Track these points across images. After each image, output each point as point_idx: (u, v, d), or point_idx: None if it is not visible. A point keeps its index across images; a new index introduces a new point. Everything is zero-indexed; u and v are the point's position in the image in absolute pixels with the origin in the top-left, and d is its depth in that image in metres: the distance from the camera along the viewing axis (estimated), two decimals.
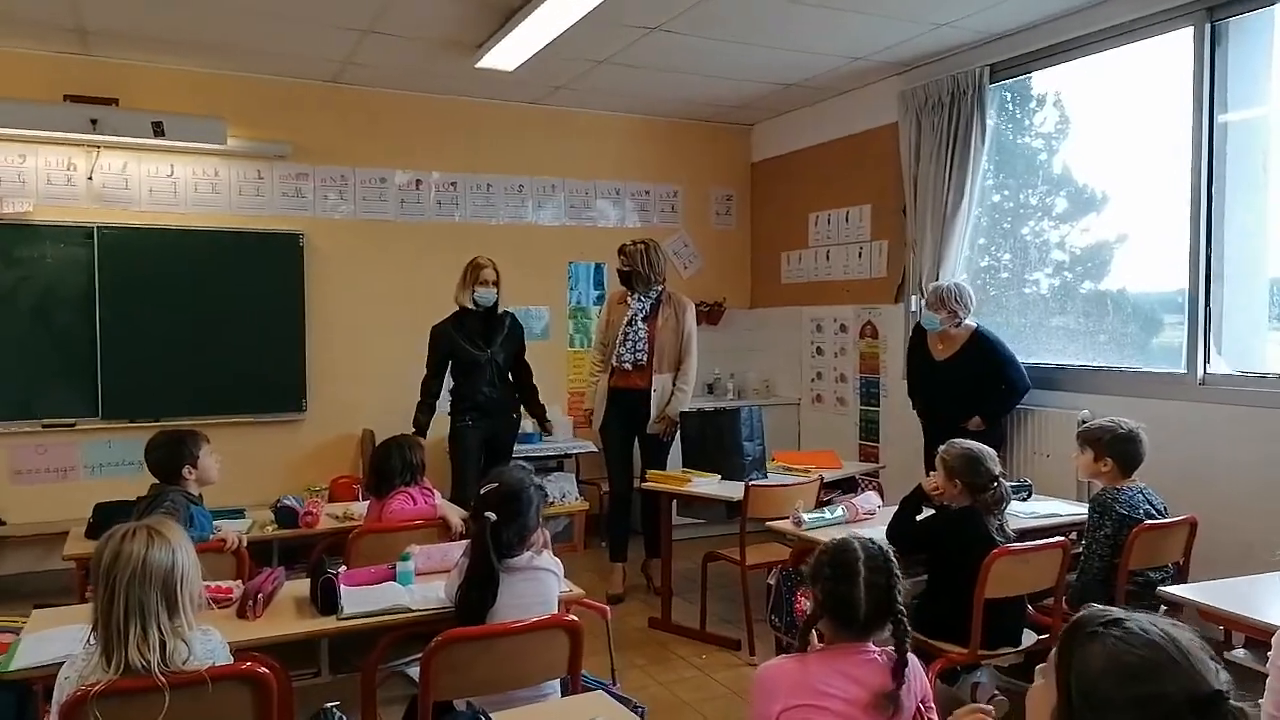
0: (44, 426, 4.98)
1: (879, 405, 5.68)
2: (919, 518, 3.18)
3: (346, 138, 5.66)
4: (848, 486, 4.75)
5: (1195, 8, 3.86)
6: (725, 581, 4.52)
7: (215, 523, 3.32)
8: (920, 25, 4.57)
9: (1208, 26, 3.86)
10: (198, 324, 5.25)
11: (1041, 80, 4.84)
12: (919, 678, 1.87)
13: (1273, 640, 1.80)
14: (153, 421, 4.99)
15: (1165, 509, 3.25)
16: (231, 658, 1.99)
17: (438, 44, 4.83)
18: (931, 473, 3.19)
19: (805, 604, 3.21)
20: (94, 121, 4.81)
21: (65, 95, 4.89)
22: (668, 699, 3.55)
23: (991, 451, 3.01)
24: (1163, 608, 3.11)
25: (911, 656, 1.86)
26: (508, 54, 4.85)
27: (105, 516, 3.44)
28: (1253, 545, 3.50)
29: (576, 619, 2.29)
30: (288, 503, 3.65)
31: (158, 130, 4.93)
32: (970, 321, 4.46)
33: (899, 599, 1.89)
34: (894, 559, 1.93)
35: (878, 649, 1.87)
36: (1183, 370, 3.97)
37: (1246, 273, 3.91)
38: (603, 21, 4.41)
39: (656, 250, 4.80)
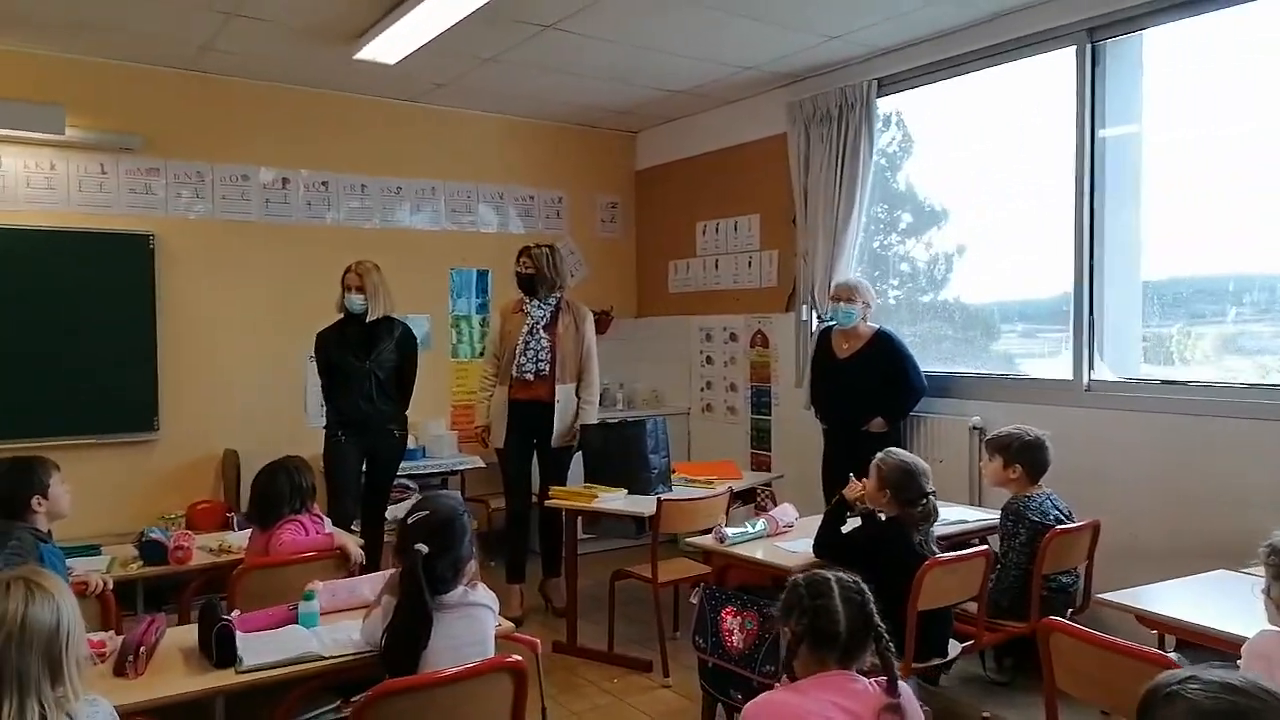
0: None
1: (770, 414, 5.69)
2: (844, 529, 3.15)
3: (204, 131, 5.16)
4: (746, 497, 4.72)
5: (1077, 29, 4.04)
6: (629, 599, 4.37)
7: (69, 562, 2.89)
8: (813, 36, 4.60)
9: (1089, 47, 4.05)
10: (31, 334, 4.64)
11: (886, 103, 4.99)
12: (913, 702, 1.79)
13: (1243, 650, 1.83)
14: None
15: (1071, 513, 3.35)
16: None
17: (313, 31, 4.47)
18: (859, 479, 3.15)
19: (729, 621, 3.14)
20: None
21: None
22: None
23: (927, 468, 3.00)
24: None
25: (904, 684, 1.78)
26: (391, 45, 4.54)
27: None
28: (1148, 546, 3.66)
29: (521, 659, 2.09)
30: (155, 536, 3.24)
31: None
32: (871, 323, 4.51)
33: (876, 616, 1.81)
34: (864, 586, 1.86)
35: (864, 679, 1.78)
36: (1069, 377, 4.13)
37: (1123, 280, 4.11)
38: (496, 16, 4.19)
39: (560, 254, 4.62)
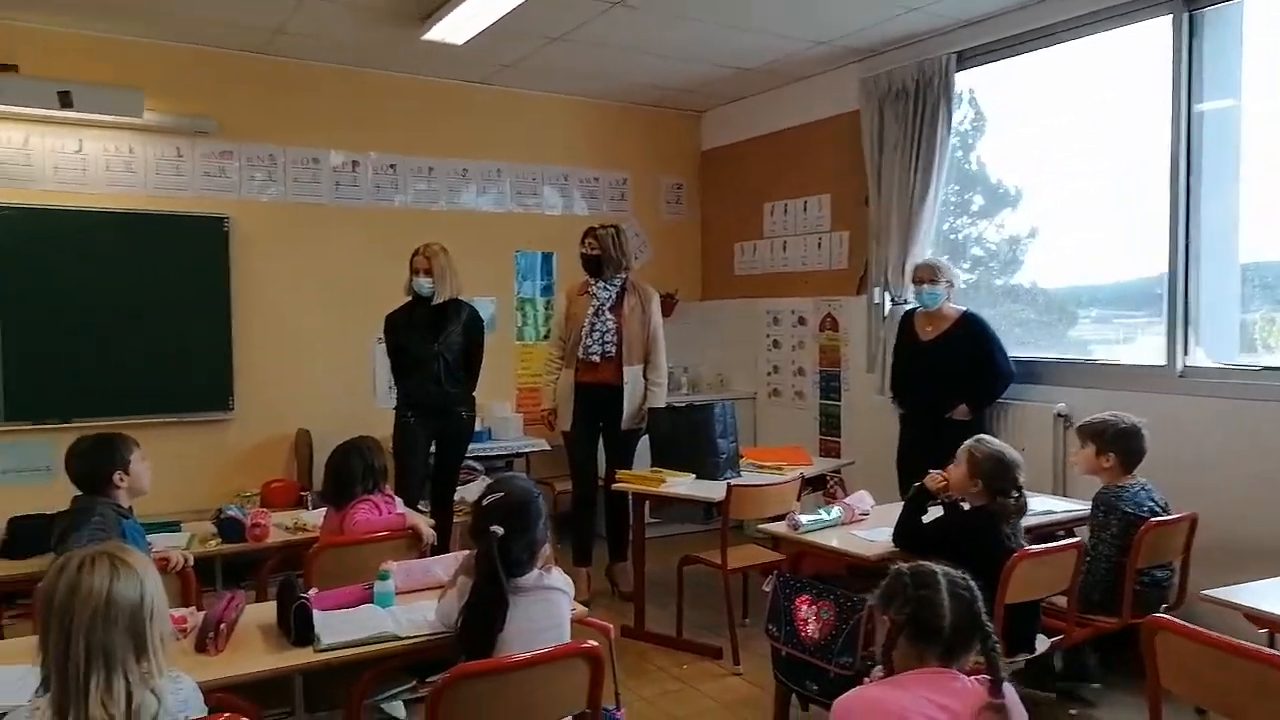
0: None
1: (840, 399, 5.56)
2: (925, 518, 3.04)
3: (276, 114, 5.21)
4: (815, 484, 4.61)
5: None
6: (696, 585, 4.31)
7: (149, 538, 2.93)
8: (891, 8, 4.44)
9: (1186, 16, 3.83)
10: (112, 315, 4.74)
11: (962, 78, 4.79)
12: (1018, 705, 1.69)
13: None
14: (62, 423, 4.49)
15: (1167, 505, 3.19)
16: (205, 709, 1.68)
17: (382, 13, 4.46)
18: (937, 470, 3.04)
19: (804, 610, 3.06)
20: None
21: None
22: (653, 715, 3.33)
23: (1021, 460, 2.87)
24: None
25: (1008, 686, 1.68)
26: (459, 26, 4.51)
27: (23, 533, 3.04)
28: (1247, 541, 3.47)
29: (597, 645, 2.04)
30: (232, 513, 3.28)
31: (65, 100, 4.41)
32: (956, 305, 4.35)
33: (984, 615, 1.71)
34: (973, 583, 1.76)
35: (965, 677, 1.68)
36: (1163, 362, 3.93)
37: (1220, 262, 3.90)
38: None
39: (625, 235, 4.56)
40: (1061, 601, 3.01)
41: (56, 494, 2.86)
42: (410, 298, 4.36)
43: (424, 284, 4.29)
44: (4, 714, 1.54)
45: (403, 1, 4.31)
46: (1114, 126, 4.32)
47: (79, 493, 2.79)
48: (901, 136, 4.89)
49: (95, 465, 2.76)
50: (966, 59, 4.69)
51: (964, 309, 4.35)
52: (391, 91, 5.51)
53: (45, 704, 1.49)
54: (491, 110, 5.85)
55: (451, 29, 4.56)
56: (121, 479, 2.79)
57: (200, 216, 5.00)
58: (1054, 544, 2.88)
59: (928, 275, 4.29)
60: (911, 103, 4.83)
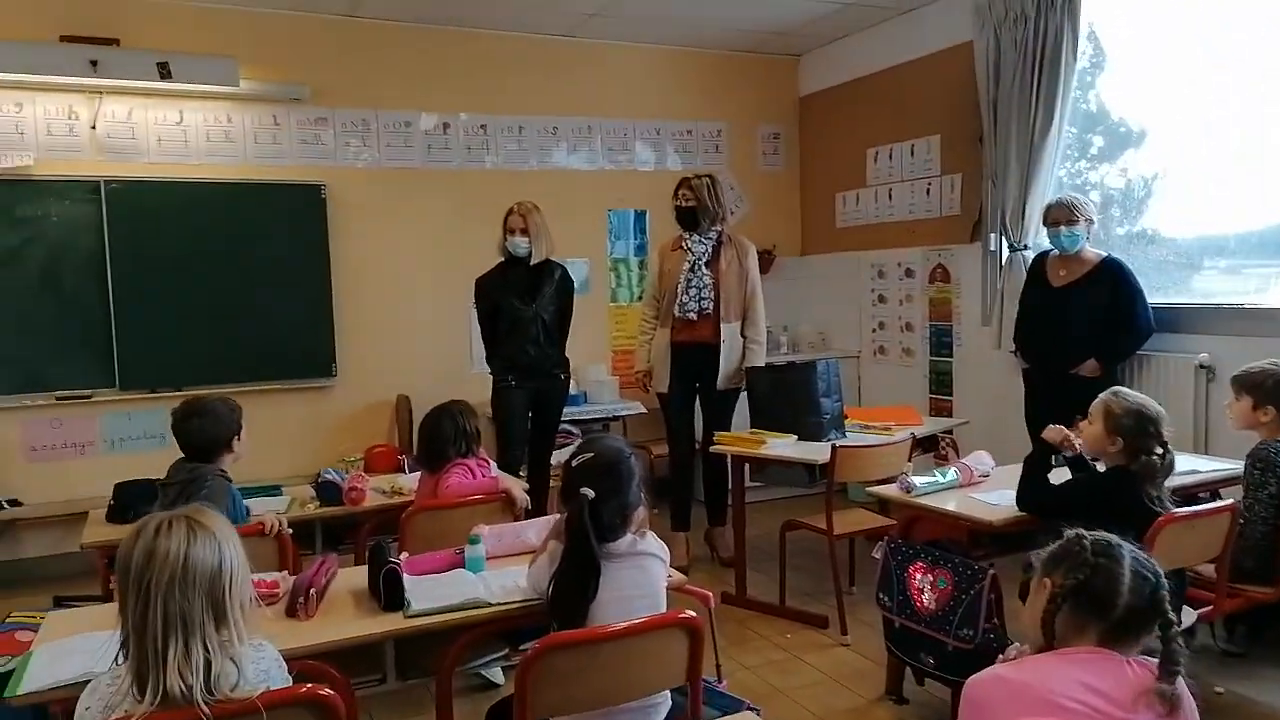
0: (58, 399, 4.61)
1: (952, 355, 5.24)
2: (1053, 479, 2.78)
3: (367, 77, 5.19)
4: (925, 445, 4.35)
5: None
6: (801, 551, 4.15)
7: (246, 502, 2.95)
8: None
9: None
10: (218, 285, 4.84)
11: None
12: (1189, 697, 1.46)
13: None
14: (174, 391, 4.62)
15: None
16: (289, 678, 1.62)
17: None
18: (1069, 425, 2.77)
19: (919, 579, 2.86)
20: (94, 63, 4.38)
21: (61, 35, 4.45)
22: (757, 686, 3.18)
23: (1164, 412, 2.58)
24: None
25: (1185, 691, 1.44)
26: None
27: (127, 498, 3.11)
28: None
29: (696, 616, 1.91)
30: (329, 477, 3.28)
31: (164, 71, 4.48)
32: (1096, 249, 3.99)
33: (1168, 603, 1.48)
34: (1160, 569, 1.54)
35: (1132, 659, 1.47)
36: None
37: None
38: None
39: (719, 183, 4.36)
40: (1207, 570, 2.72)
41: (169, 460, 2.88)
42: (503, 258, 4.27)
43: (520, 243, 4.19)
44: (88, 680, 1.52)
45: None
46: (1247, 60, 3.85)
47: (182, 457, 2.82)
48: (1020, 67, 4.50)
49: (211, 431, 2.76)
50: None
51: (1105, 254, 3.97)
52: (480, 50, 5.42)
53: (125, 671, 1.45)
54: (580, 64, 5.69)
55: None
56: (236, 443, 2.80)
57: (298, 185, 5.04)
58: (1204, 507, 2.59)
59: (1065, 215, 3.88)
60: (1031, 28, 4.43)
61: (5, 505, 4.42)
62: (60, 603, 3.68)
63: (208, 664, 1.44)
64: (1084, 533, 1.55)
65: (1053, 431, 2.80)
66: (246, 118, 4.95)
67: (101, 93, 4.60)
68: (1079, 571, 1.49)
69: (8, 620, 2.93)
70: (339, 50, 5.10)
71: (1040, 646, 1.54)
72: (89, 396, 4.67)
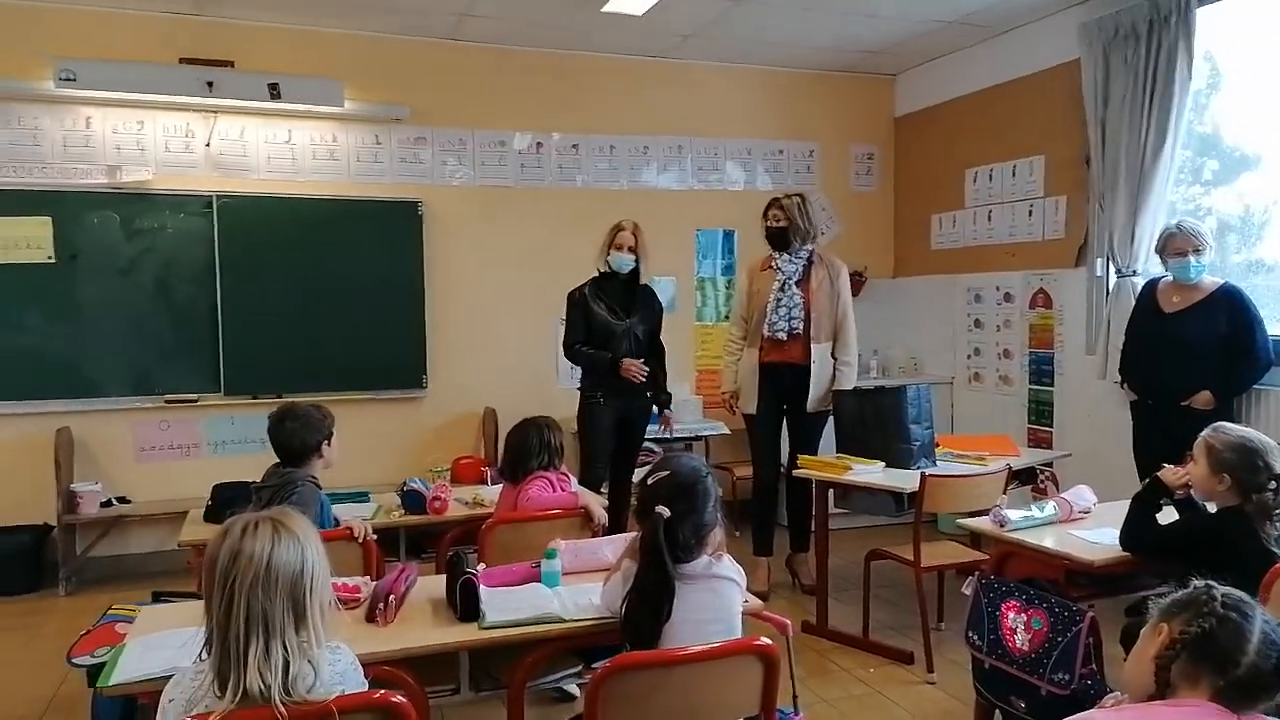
0: (166, 402, 4.84)
1: (1053, 384, 5.02)
2: (1161, 520, 2.62)
3: (464, 98, 5.33)
4: (1024, 478, 4.16)
5: None
6: (886, 582, 4.02)
7: (336, 507, 3.02)
8: None
9: None
10: (317, 297, 5.02)
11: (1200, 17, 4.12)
12: None
13: None
14: (275, 398, 4.79)
15: None
16: (364, 682, 1.63)
17: None
18: (1177, 465, 2.61)
19: (1011, 618, 2.72)
20: (210, 84, 4.62)
21: (180, 58, 4.71)
22: None
23: (1274, 444, 2.41)
24: None
25: None
26: None
27: (223, 499, 3.22)
28: None
29: (772, 644, 1.85)
30: (415, 486, 3.34)
31: (274, 92, 4.70)
32: (1214, 276, 3.79)
33: None
34: None
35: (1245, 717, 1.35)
36: None
37: None
38: None
39: (811, 204, 4.31)
40: None
41: (268, 465, 2.98)
42: (599, 272, 4.27)
43: (626, 259, 4.18)
44: (170, 675, 1.56)
45: None
46: None
47: (277, 462, 2.90)
48: (1130, 86, 4.31)
49: (303, 437, 2.82)
50: None
51: (1222, 280, 3.76)
52: (573, 70, 5.50)
53: (208, 667, 1.49)
54: (672, 85, 5.72)
55: None
56: (326, 449, 2.88)
57: (396, 201, 5.20)
58: None
59: (1191, 244, 3.67)
60: (1143, 46, 4.25)
61: (114, 502, 4.66)
62: (158, 598, 3.83)
63: (286, 664, 1.47)
64: (1215, 584, 1.44)
65: (1170, 473, 2.64)
66: (350, 136, 5.13)
67: (216, 112, 4.84)
68: (1205, 621, 1.38)
69: (109, 612, 3.05)
70: (439, 72, 5.25)
71: (1148, 695, 1.43)
72: (195, 400, 4.89)
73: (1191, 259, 3.68)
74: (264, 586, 1.47)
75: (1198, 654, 1.37)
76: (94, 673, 2.77)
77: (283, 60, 4.86)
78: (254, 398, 4.94)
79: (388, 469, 4.92)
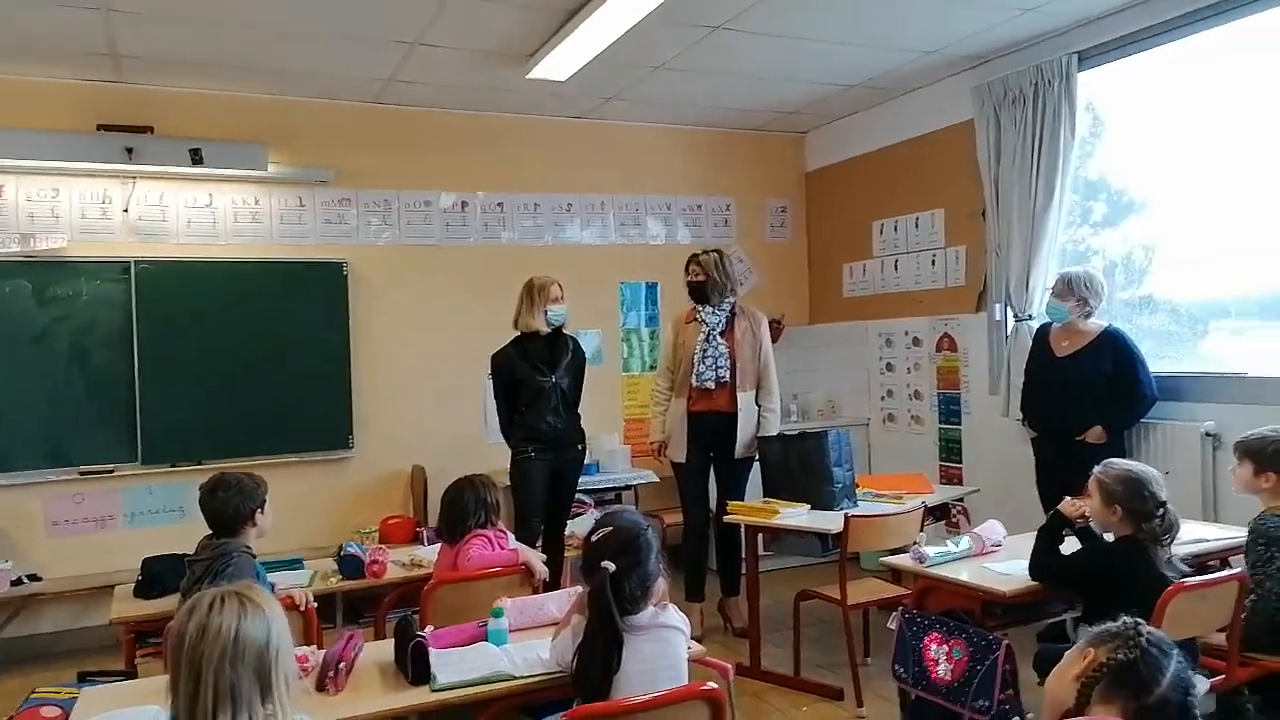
0: (81, 474, 4.70)
1: (960, 423, 5.31)
2: (1064, 550, 2.83)
3: (389, 160, 5.40)
4: (937, 514, 4.39)
5: None
6: (813, 621, 4.16)
7: (271, 576, 3.00)
8: (1005, 11, 4.25)
9: None
10: (240, 360, 4.96)
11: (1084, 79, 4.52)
12: None
13: None
14: (195, 465, 4.72)
15: None
16: None
17: (488, 54, 4.57)
18: (1076, 497, 2.83)
19: (934, 649, 2.88)
20: (129, 150, 4.58)
21: (98, 125, 4.66)
22: None
23: (1157, 474, 2.65)
24: None
25: None
26: (562, 61, 4.57)
27: (154, 573, 3.16)
28: None
29: (717, 688, 1.95)
30: (352, 550, 3.34)
31: (196, 158, 4.69)
32: (1099, 320, 4.10)
33: (1195, 709, 1.54)
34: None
35: None
36: None
37: None
38: (665, 21, 4.13)
39: (728, 259, 4.50)
40: (1218, 639, 2.75)
41: (189, 535, 2.95)
42: (518, 333, 4.36)
43: (559, 312, 4.29)
44: None
45: (507, 42, 4.39)
46: (1247, 125, 4.00)
47: (208, 534, 2.87)
48: (1020, 144, 4.67)
49: (240, 503, 2.79)
50: (1087, 58, 4.45)
51: (1106, 324, 4.08)
52: (498, 132, 5.64)
53: None
54: (594, 144, 5.91)
55: (555, 66, 4.62)
56: (258, 518, 2.86)
57: (321, 262, 5.19)
58: (1212, 576, 2.62)
59: (1057, 288, 4.10)
60: (1030, 108, 4.61)
61: (25, 580, 4.47)
62: (85, 678, 3.70)
63: None
64: (1142, 621, 1.61)
65: (1069, 505, 2.86)
66: (273, 199, 5.14)
67: (135, 178, 4.79)
68: (1130, 652, 1.54)
69: (32, 696, 2.95)
70: (363, 134, 5.32)
71: (1064, 712, 1.58)
72: (111, 471, 4.75)
73: (1053, 302, 4.11)
74: (231, 661, 1.51)
75: (1117, 680, 1.53)
76: None
77: (204, 125, 4.86)
78: (173, 466, 4.84)
79: (315, 532, 4.87)
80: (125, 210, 4.81)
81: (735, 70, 4.98)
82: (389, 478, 5.37)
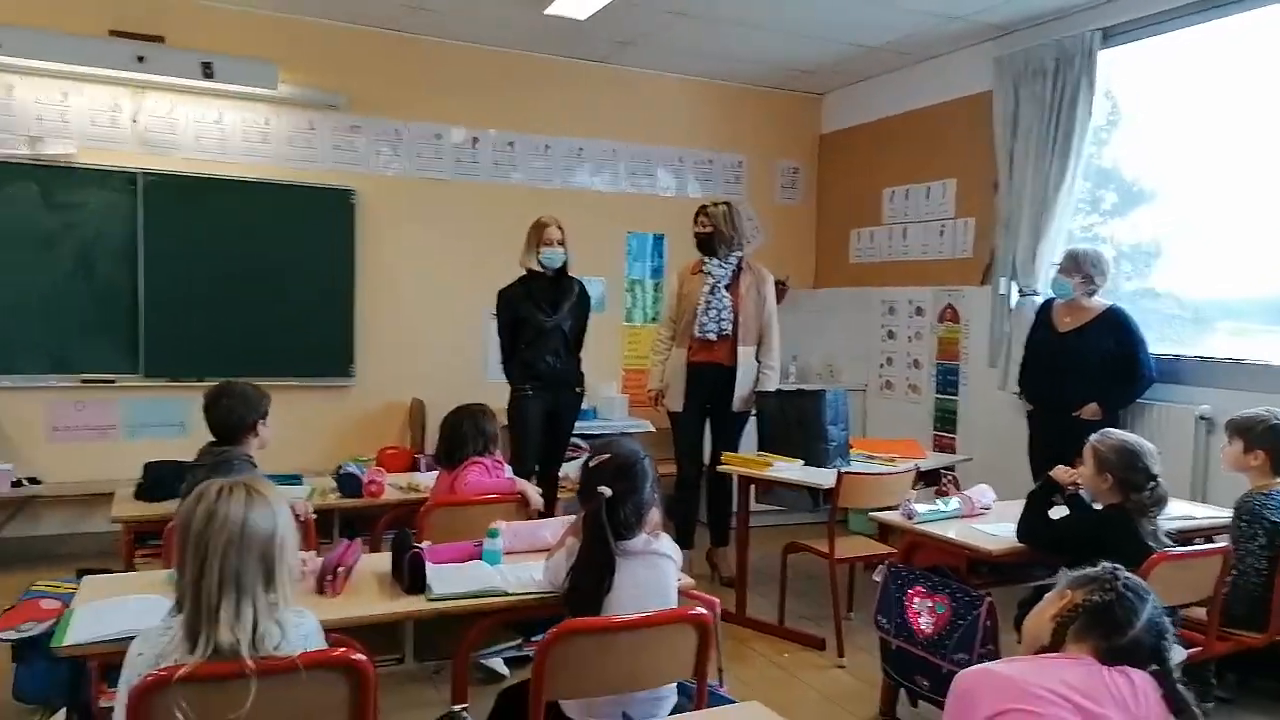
0: (82, 382, 4.72)
1: (958, 394, 5.34)
2: (1053, 515, 2.88)
3: (401, 90, 5.34)
4: (928, 479, 4.44)
5: None
6: (801, 574, 4.22)
7: None
8: None
9: None
10: (244, 280, 4.96)
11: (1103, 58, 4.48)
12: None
13: None
14: (196, 381, 4.71)
15: None
16: (326, 645, 1.71)
17: None
18: (1067, 466, 2.87)
19: (917, 603, 2.94)
20: (140, 59, 4.53)
21: (110, 30, 4.60)
22: (752, 699, 3.24)
23: (1153, 448, 2.68)
24: None
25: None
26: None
27: (156, 477, 3.20)
28: None
29: (705, 613, 2.00)
30: (350, 470, 3.37)
31: (207, 71, 4.64)
32: (1103, 299, 4.11)
33: (1170, 653, 1.59)
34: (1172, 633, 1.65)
35: (1111, 674, 1.55)
36: None
37: None
38: None
39: (737, 212, 4.49)
40: (1198, 612, 2.81)
41: (188, 449, 2.97)
42: (526, 271, 4.36)
43: (557, 254, 4.27)
44: (134, 636, 1.61)
45: None
46: (1263, 119, 3.98)
47: (211, 441, 2.91)
48: (1037, 119, 4.65)
49: (239, 413, 2.84)
50: (1112, 35, 4.42)
51: (1110, 303, 4.09)
52: (513, 69, 5.58)
53: (177, 624, 1.54)
54: (609, 90, 5.85)
55: (575, 3, 4.57)
56: (260, 429, 2.89)
57: (329, 188, 5.18)
58: (1196, 548, 2.67)
59: (1066, 265, 4.08)
60: (1050, 82, 4.58)
61: (25, 483, 4.51)
62: (84, 575, 3.76)
63: (255, 623, 1.54)
64: (1120, 567, 1.66)
65: (1060, 471, 2.89)
66: (283, 121, 5.09)
67: (145, 88, 4.74)
68: (1105, 594, 1.59)
69: (31, 589, 3.01)
70: (376, 61, 5.26)
71: (1039, 648, 1.63)
72: (112, 381, 4.77)
73: (1058, 278, 4.10)
74: (238, 548, 1.54)
75: (1092, 620, 1.58)
76: (18, 647, 2.75)
77: (216, 39, 4.80)
78: (173, 380, 4.85)
79: (314, 456, 4.89)
80: (134, 120, 4.77)
81: (756, 21, 4.92)
82: (388, 409, 5.40)
